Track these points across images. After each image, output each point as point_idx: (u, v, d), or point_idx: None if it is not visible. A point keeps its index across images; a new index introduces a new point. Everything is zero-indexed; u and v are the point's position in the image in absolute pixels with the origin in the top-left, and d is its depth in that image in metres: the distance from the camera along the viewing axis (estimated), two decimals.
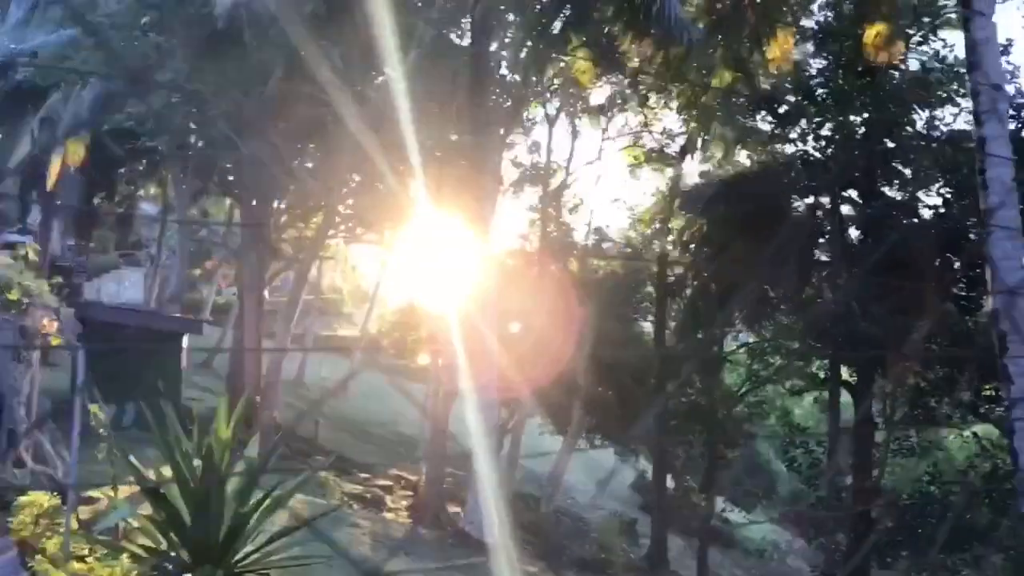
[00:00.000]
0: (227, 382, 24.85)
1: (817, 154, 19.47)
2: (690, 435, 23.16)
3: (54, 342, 9.75)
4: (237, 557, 8.32)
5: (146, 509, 9.27)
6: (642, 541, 25.23)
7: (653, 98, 20.63)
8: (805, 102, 19.00)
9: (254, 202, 21.16)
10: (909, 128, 18.51)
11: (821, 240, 19.84)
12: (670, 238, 22.34)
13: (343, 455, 22.36)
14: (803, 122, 19.03)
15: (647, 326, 27.31)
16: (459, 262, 22.65)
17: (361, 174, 21.76)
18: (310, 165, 21.60)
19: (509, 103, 18.64)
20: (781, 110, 19.26)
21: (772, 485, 36.39)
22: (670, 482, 25.58)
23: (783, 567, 33.10)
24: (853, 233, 20.05)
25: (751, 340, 24.55)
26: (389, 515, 16.81)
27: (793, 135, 19.54)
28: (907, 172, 19.02)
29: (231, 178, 24.10)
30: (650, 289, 24.85)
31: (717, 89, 15.14)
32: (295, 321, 22.72)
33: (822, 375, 23.82)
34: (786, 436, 19.41)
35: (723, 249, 20.17)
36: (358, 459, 23.46)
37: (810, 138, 19.16)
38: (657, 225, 23.41)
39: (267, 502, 8.17)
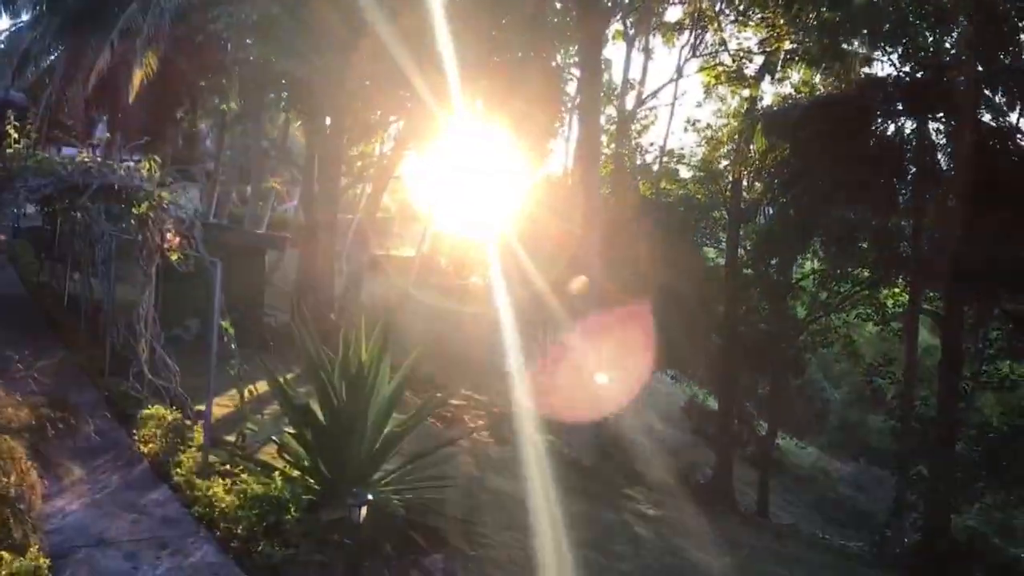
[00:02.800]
0: (294, 299, 24.82)
1: (907, 79, 18.72)
2: (758, 363, 22.82)
3: (173, 256, 9.61)
4: (377, 476, 8.29)
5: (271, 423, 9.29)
6: (692, 462, 25.38)
7: (755, 13, 19.77)
8: (901, 21, 18.15)
9: (327, 119, 20.72)
10: (1014, 49, 17.60)
11: (909, 166, 19.18)
12: (745, 161, 21.64)
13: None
14: (901, 43, 18.20)
15: (710, 252, 26.87)
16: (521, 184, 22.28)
17: (434, 92, 21.21)
18: (368, 82, 20.95)
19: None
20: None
21: (824, 413, 36.30)
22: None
23: (833, 493, 33.22)
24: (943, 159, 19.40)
25: (817, 268, 24.04)
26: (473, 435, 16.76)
27: (889, 55, 18.78)
28: (1004, 98, 18.21)
29: (289, 94, 23.66)
30: (717, 214, 24.32)
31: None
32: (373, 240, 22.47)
33: (890, 303, 23.36)
34: (869, 366, 19.02)
35: (804, 173, 19.58)
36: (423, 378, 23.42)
37: (909, 61, 18.38)
38: (731, 146, 22.72)
39: (408, 422, 8.09)
